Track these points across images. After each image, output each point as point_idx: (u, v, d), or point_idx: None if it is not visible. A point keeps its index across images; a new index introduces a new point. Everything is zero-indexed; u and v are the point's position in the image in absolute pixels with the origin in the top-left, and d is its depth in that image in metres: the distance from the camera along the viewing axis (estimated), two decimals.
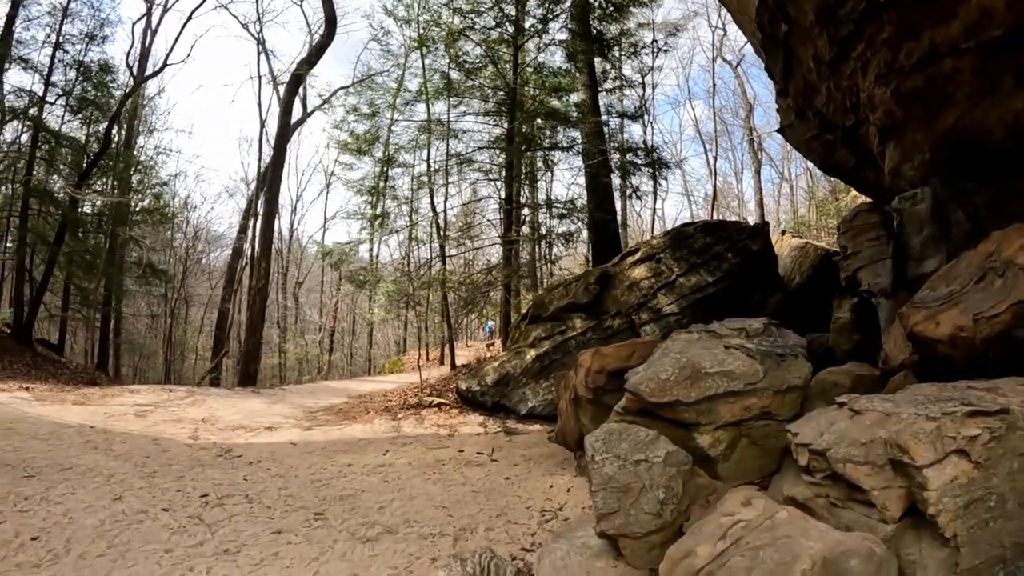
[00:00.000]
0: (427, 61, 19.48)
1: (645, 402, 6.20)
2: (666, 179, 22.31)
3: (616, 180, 19.32)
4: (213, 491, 8.20)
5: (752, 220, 29.91)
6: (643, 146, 20.56)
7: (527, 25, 18.42)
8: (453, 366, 18.64)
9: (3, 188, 28.09)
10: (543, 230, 19.89)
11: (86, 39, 25.77)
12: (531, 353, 13.50)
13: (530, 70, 18.70)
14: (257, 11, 37.12)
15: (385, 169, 23.16)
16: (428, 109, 19.72)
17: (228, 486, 8.51)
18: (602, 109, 19.60)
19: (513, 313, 18.14)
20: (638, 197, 22.63)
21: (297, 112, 30.36)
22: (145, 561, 6.09)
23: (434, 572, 5.76)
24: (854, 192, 17.29)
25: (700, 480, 5.46)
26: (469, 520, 7.08)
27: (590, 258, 20.16)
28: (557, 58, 20.03)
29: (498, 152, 19.48)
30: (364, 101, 24.24)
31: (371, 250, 31.85)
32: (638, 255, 13.62)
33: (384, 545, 6.48)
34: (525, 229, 19.39)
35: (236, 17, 52.58)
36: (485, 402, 13.49)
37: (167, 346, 37.06)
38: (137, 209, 31.00)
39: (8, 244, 29.16)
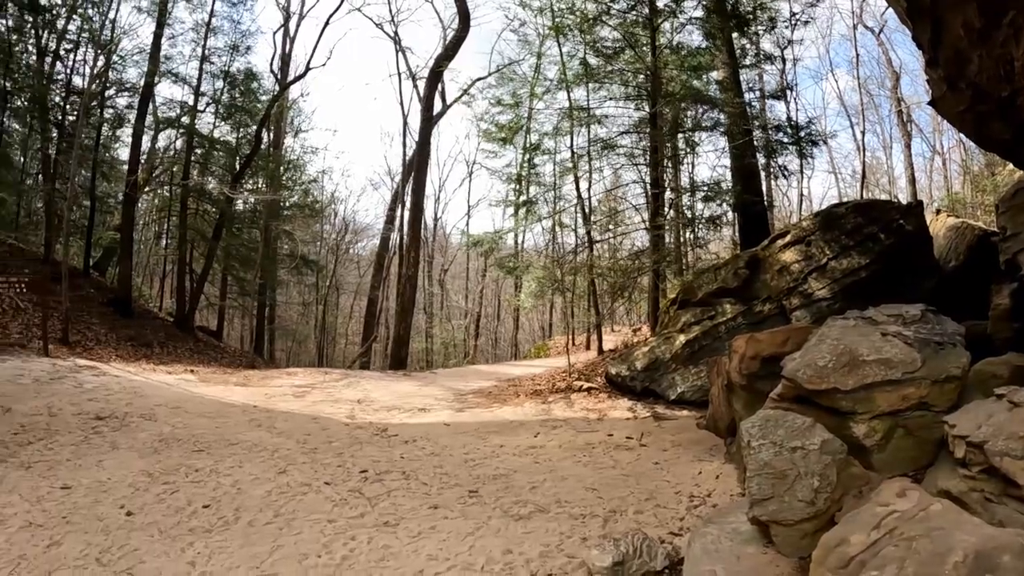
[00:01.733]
0: (564, 48, 19.47)
1: (801, 389, 6.13)
2: (812, 157, 21.23)
3: (760, 160, 18.76)
4: (372, 467, 8.62)
5: (903, 198, 28.45)
6: (788, 123, 19.88)
7: (661, 5, 18.05)
8: (600, 351, 18.66)
9: (163, 190, 30.15)
10: (689, 214, 19.61)
11: (230, 50, 27.66)
12: (680, 339, 13.37)
13: (668, 51, 18.36)
14: (390, 11, 38.10)
15: (530, 157, 23.35)
16: (569, 96, 19.67)
17: (386, 463, 8.90)
18: (743, 87, 19.09)
19: (661, 299, 17.97)
20: (785, 177, 21.91)
21: (437, 105, 30.95)
22: (310, 529, 6.51)
23: (585, 551, 5.85)
24: (1011, 166, 16.21)
25: (854, 470, 5.36)
26: (619, 502, 7.17)
27: (738, 241, 19.75)
28: (694, 37, 19.48)
29: (641, 136, 19.27)
30: (507, 92, 24.46)
31: (516, 237, 32.16)
32: (787, 238, 13.24)
33: (536, 523, 6.67)
34: (670, 213, 19.13)
35: (370, 18, 54.28)
36: (634, 387, 13.48)
37: (320, 331, 38.56)
38: (288, 204, 32.77)
39: (169, 240, 31.30)
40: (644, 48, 17.91)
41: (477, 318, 41.12)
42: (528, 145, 23.11)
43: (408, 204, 28.19)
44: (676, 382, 12.81)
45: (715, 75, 18.81)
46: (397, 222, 32.44)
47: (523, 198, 23.35)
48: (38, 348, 15.81)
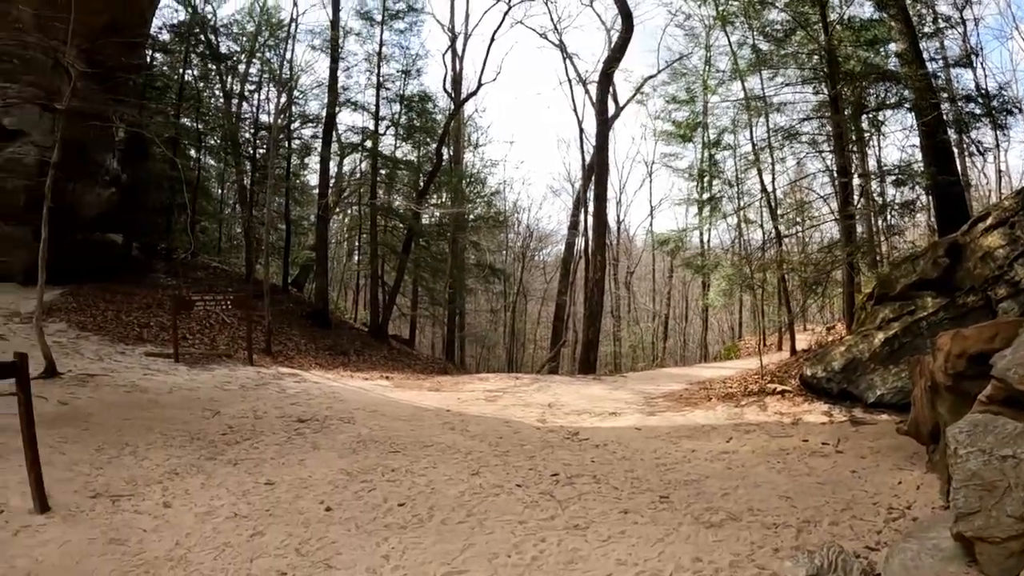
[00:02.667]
0: (732, 37, 19.02)
1: (1013, 390, 5.59)
2: (1007, 127, 19.24)
3: (952, 135, 17.34)
4: (563, 471, 8.61)
5: None
6: (978, 92, 18.32)
7: None
8: (793, 351, 17.95)
9: (353, 210, 31.79)
10: (879, 200, 18.57)
11: (402, 75, 29.39)
12: (879, 336, 12.50)
13: (840, 27, 17.35)
14: (552, 20, 38.27)
15: (710, 152, 22.89)
16: (743, 85, 19.20)
17: (576, 467, 8.87)
18: (924, 57, 17.75)
19: (856, 294, 17.10)
20: (981, 153, 20.30)
21: (610, 108, 30.91)
22: (501, 530, 6.58)
23: (778, 562, 5.59)
24: None
25: None
26: (813, 512, 6.82)
27: (934, 227, 18.47)
28: (866, 9, 18.30)
29: (823, 121, 18.39)
30: (680, 88, 24.12)
31: (702, 235, 31.60)
32: (989, 220, 12.08)
33: (727, 531, 6.44)
34: (860, 201, 18.16)
35: (533, 29, 54.94)
36: (830, 389, 12.76)
37: (508, 337, 39.18)
38: (473, 216, 33.60)
39: (360, 256, 33.11)
40: (815, 27, 17.05)
41: (665, 320, 40.65)
42: (707, 141, 22.65)
43: (591, 208, 28.31)
44: (875, 384, 11.98)
45: (893, 47, 17.57)
46: (580, 227, 32.66)
47: (706, 195, 22.91)
48: (244, 358, 17.07)
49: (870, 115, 18.50)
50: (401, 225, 29.27)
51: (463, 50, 33.15)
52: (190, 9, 28.12)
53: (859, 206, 17.50)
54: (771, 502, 7.24)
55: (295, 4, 36.97)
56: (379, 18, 28.36)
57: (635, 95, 33.52)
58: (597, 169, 26.67)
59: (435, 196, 31.69)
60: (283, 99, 26.57)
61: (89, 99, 17.41)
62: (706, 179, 23.54)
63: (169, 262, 25.78)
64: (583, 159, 33.64)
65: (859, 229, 17.80)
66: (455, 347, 34.57)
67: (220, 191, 34.47)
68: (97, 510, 7.01)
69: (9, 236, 18.48)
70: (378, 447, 9.62)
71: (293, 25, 26.14)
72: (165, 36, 28.35)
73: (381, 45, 28.29)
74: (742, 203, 20.80)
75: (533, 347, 43.04)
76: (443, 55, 38.01)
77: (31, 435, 6.91)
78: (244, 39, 30.18)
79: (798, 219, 21.40)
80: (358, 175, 31.16)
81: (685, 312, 44.76)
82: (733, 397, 13.93)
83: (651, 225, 41.22)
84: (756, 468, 8.78)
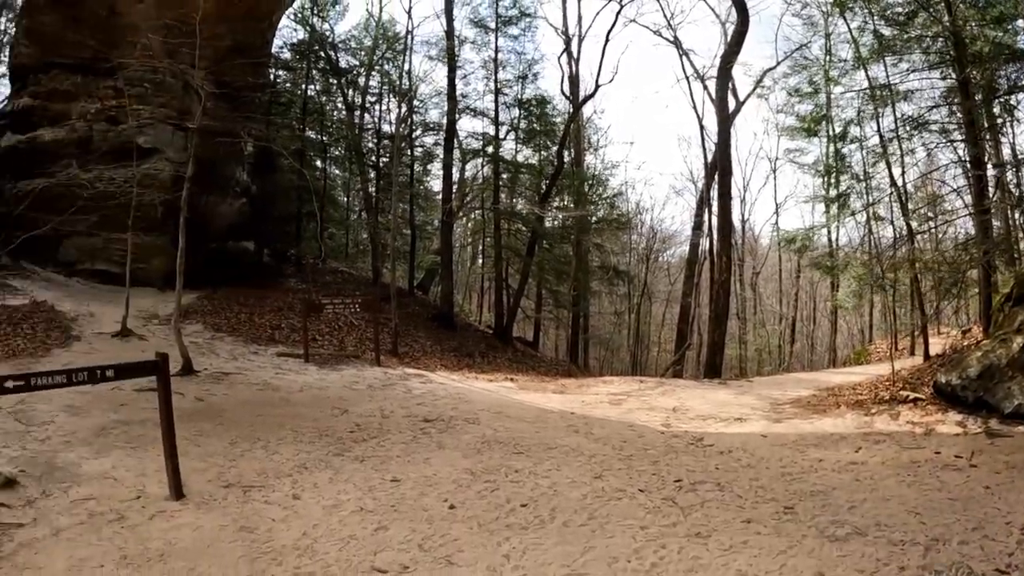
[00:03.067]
0: (852, 24, 18.46)
1: None
2: None
3: None
4: (686, 477, 8.61)
5: None
6: None
7: None
8: (926, 356, 17.05)
9: (476, 214, 32.38)
10: (1016, 193, 17.58)
11: (519, 80, 29.80)
12: (1017, 341, 11.72)
13: (963, 5, 16.37)
14: (665, 17, 38.06)
15: (836, 146, 22.25)
16: (867, 74, 18.56)
17: (700, 473, 8.86)
18: None
19: (994, 294, 16.24)
20: None
21: (731, 104, 30.29)
22: (622, 535, 6.64)
23: None
24: None
25: None
26: (943, 530, 6.57)
27: None
28: None
29: (953, 108, 17.35)
30: (802, 79, 23.52)
31: (829, 233, 30.69)
32: None
33: (852, 546, 6.29)
34: (996, 193, 17.21)
35: (647, 27, 54.53)
36: (965, 397, 12.06)
37: (633, 340, 38.97)
38: (595, 219, 33.86)
39: (484, 259, 33.74)
40: (938, 7, 16.17)
41: (792, 322, 39.63)
42: (832, 134, 21.99)
43: (715, 208, 27.97)
44: (1012, 393, 11.19)
45: (1021, 24, 16.58)
46: (705, 227, 32.20)
47: (834, 191, 22.24)
48: (371, 359, 17.72)
49: (1002, 100, 17.49)
50: (524, 228, 29.53)
51: (578, 52, 33.09)
52: (308, 28, 29.50)
53: (995, 199, 16.59)
54: (899, 517, 7.02)
55: (409, 17, 38.02)
56: (492, 25, 28.86)
57: (755, 89, 32.70)
58: (720, 167, 26.11)
59: (557, 199, 31.95)
60: (403, 109, 27.44)
61: (218, 117, 18.69)
62: (833, 174, 22.87)
63: (299, 267, 26.94)
64: (705, 157, 33.01)
65: (995, 224, 16.89)
66: (579, 349, 34.67)
67: (346, 199, 35.79)
68: (229, 499, 7.53)
69: (148, 245, 20.04)
70: (502, 448, 9.85)
71: (409, 37, 27.25)
72: (287, 55, 30.22)
73: (496, 51, 28.77)
74: (871, 199, 20.09)
75: (657, 350, 42.53)
76: (558, 58, 38.17)
77: (170, 427, 7.57)
78: (362, 53, 31.61)
79: (930, 214, 20.48)
80: (480, 180, 31.74)
81: (813, 314, 43.39)
82: (863, 404, 13.44)
83: (777, 223, 40.15)
84: (885, 481, 8.49)
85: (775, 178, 47.58)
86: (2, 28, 29.67)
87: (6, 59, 26.51)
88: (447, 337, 23.47)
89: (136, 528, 6.75)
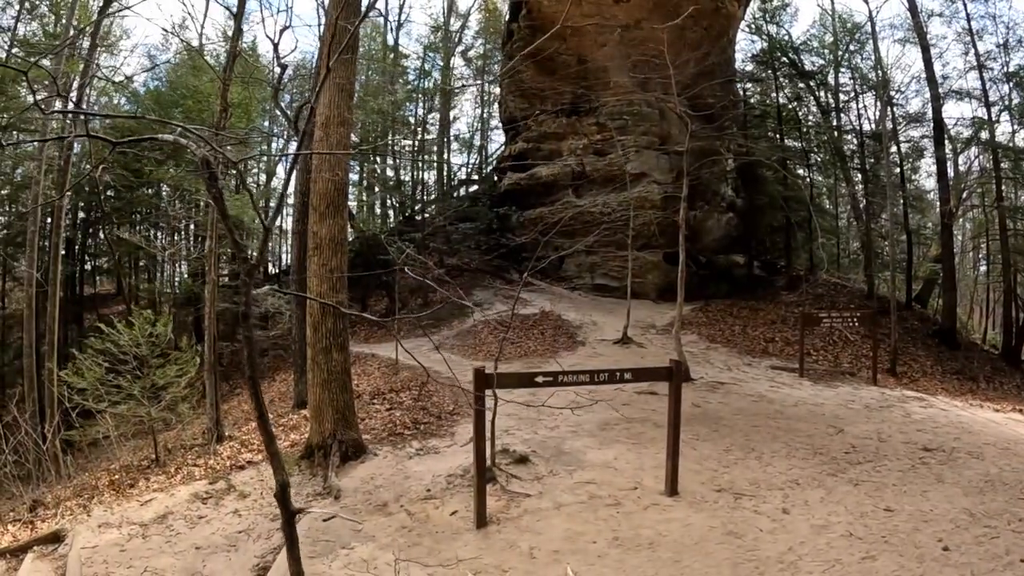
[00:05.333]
0: None
1: None
2: None
3: None
4: None
5: None
6: None
7: None
8: None
9: (975, 213, 29.41)
10: None
11: (1001, 48, 25.44)
12: None
13: None
14: None
15: None
16: None
17: None
18: None
19: None
20: None
21: None
22: None
23: None
24: None
25: None
26: None
27: None
28: None
29: None
30: None
31: None
32: None
33: None
34: None
35: None
36: None
37: None
38: None
39: (989, 266, 29.86)
40: None
41: None
42: None
43: None
44: None
45: None
46: None
47: None
48: (867, 377, 17.29)
49: None
50: None
51: None
52: (765, 36, 29.19)
53: None
54: None
55: (866, 2, 35.37)
56: None
57: None
58: None
59: None
60: (879, 102, 25.80)
61: (699, 137, 19.58)
62: None
63: (790, 279, 26.74)
64: None
65: None
66: None
67: (833, 207, 34.72)
68: (720, 503, 8.01)
69: (643, 261, 22.50)
70: (1007, 490, 8.92)
71: (869, 24, 25.73)
72: (750, 67, 30.61)
73: (968, 19, 25.33)
74: None
75: None
76: None
77: (676, 429, 8.30)
78: (825, 51, 30.40)
79: None
80: (975, 172, 28.71)
81: None
82: None
83: None
84: None
85: None
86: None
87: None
88: (948, 357, 21.66)
89: (630, 515, 7.59)
